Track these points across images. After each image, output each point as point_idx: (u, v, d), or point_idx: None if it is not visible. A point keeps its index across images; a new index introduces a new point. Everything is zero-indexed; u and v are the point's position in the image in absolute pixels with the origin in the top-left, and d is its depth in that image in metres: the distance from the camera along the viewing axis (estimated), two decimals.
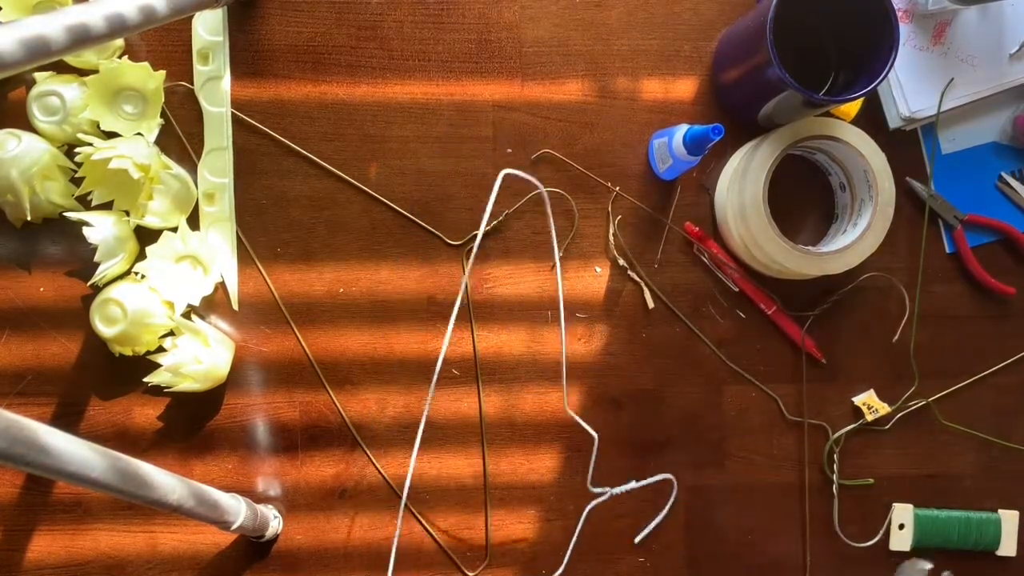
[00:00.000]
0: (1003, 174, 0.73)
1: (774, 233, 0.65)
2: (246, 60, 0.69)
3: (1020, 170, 0.74)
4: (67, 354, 0.67)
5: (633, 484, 0.67)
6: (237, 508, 0.60)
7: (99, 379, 0.67)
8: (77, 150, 0.63)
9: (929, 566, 0.45)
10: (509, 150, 0.70)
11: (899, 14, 0.67)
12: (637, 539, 0.70)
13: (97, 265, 0.63)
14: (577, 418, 0.66)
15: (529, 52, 0.71)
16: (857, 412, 0.72)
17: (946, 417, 0.73)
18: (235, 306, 0.68)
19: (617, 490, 0.67)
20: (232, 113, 0.68)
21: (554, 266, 0.70)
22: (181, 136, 0.68)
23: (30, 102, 0.64)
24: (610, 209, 0.71)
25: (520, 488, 0.70)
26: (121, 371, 0.66)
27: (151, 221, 0.65)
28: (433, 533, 0.69)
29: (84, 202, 0.67)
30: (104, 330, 0.63)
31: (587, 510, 0.69)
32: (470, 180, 0.70)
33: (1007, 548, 0.72)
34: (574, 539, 0.69)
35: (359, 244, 0.69)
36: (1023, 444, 0.73)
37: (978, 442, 0.73)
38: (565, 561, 0.69)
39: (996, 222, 0.72)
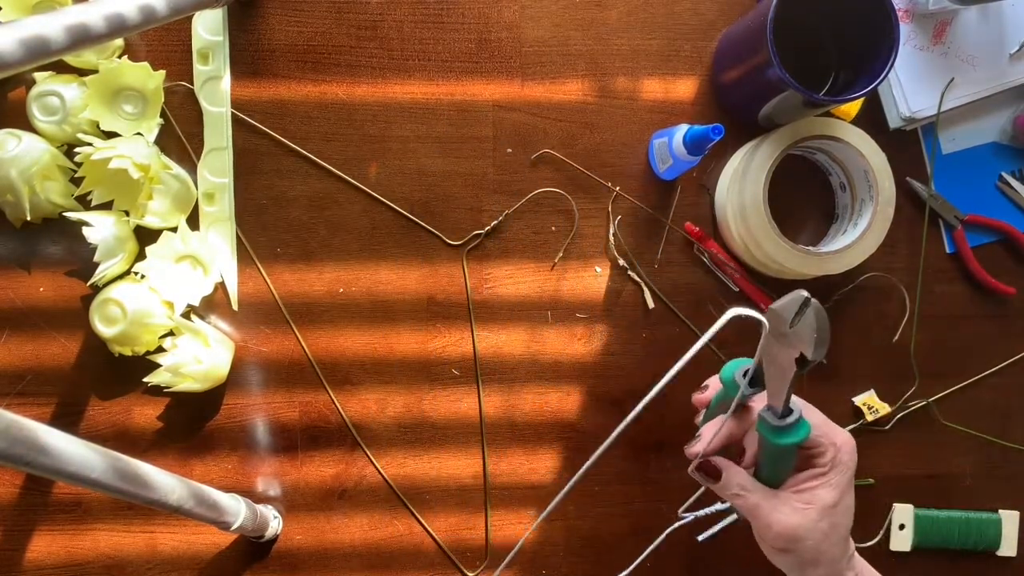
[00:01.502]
0: (1003, 174, 0.73)
1: (774, 233, 0.65)
2: (246, 60, 0.69)
3: (1020, 170, 0.74)
4: (67, 354, 0.67)
5: (718, 506, 0.66)
6: (237, 508, 0.60)
7: (99, 379, 0.67)
8: (77, 150, 0.63)
9: (804, 294, 0.46)
10: (509, 150, 0.70)
11: (899, 14, 0.67)
12: (700, 537, 0.69)
13: (97, 265, 0.63)
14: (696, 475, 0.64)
15: (529, 52, 0.71)
16: (857, 412, 0.72)
17: (946, 417, 0.72)
18: (235, 306, 0.68)
19: (702, 512, 0.66)
20: (232, 113, 0.68)
21: (554, 266, 0.70)
22: (181, 136, 0.68)
23: (30, 102, 0.64)
24: (610, 209, 0.71)
25: (520, 488, 0.70)
26: (121, 371, 0.66)
27: (151, 221, 0.65)
28: (433, 533, 0.69)
29: (84, 202, 0.67)
30: (104, 330, 0.63)
31: (667, 531, 0.68)
32: (470, 180, 0.70)
33: (1007, 548, 0.72)
34: (643, 556, 0.68)
35: (359, 244, 0.69)
36: (1023, 444, 0.73)
37: (978, 442, 0.73)
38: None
39: (996, 222, 0.72)
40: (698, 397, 0.55)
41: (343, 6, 0.70)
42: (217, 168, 0.68)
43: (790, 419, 0.46)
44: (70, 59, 0.66)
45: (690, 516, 0.66)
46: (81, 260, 0.67)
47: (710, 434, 0.50)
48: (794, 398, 0.49)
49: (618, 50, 0.71)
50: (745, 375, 0.47)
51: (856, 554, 0.51)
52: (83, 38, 0.48)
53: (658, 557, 0.70)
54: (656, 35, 0.72)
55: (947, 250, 0.73)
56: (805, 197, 0.72)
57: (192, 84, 0.68)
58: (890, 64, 0.60)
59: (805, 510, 0.47)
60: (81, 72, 0.66)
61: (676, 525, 0.68)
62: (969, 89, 0.70)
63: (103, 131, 0.65)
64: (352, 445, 0.69)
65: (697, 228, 0.71)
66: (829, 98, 0.61)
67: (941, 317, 0.73)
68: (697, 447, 0.51)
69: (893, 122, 0.71)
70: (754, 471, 0.50)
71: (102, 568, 0.67)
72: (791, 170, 0.70)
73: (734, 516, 0.65)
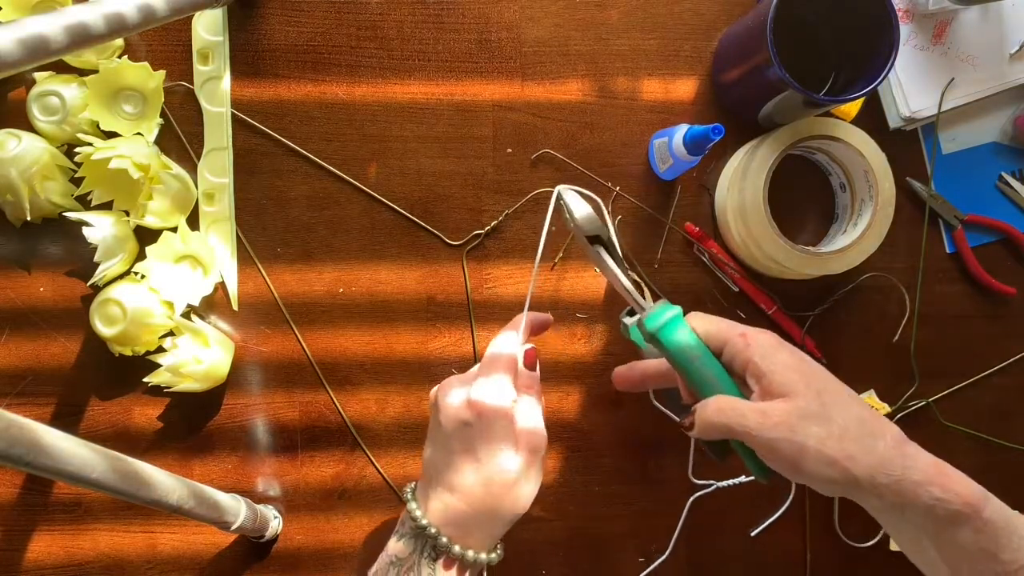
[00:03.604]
0: (1003, 174, 0.73)
1: (774, 233, 0.65)
2: (246, 60, 0.69)
3: (1020, 170, 0.74)
4: (67, 354, 0.67)
5: (743, 478, 0.66)
6: (237, 508, 0.60)
7: (99, 379, 0.67)
8: (77, 150, 0.63)
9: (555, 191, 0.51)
10: (509, 150, 0.70)
11: (899, 14, 0.67)
12: (753, 533, 0.70)
13: (97, 265, 0.63)
14: (663, 408, 0.65)
15: (529, 52, 0.71)
16: None
17: (946, 417, 0.72)
18: (235, 306, 0.68)
19: (724, 483, 0.66)
20: (232, 113, 0.68)
21: (554, 266, 0.70)
22: (181, 136, 0.68)
23: (30, 102, 0.64)
24: (610, 209, 0.71)
25: None
26: (121, 371, 0.66)
27: (151, 221, 0.65)
28: None
29: (84, 202, 0.67)
30: (104, 330, 0.63)
31: (691, 501, 0.68)
32: (470, 180, 0.70)
33: None
34: (677, 530, 0.69)
35: (359, 244, 0.69)
36: (1023, 444, 0.73)
37: (978, 442, 0.73)
38: (668, 550, 0.69)
39: (996, 222, 0.72)
40: (620, 372, 0.54)
41: (343, 6, 0.70)
42: (217, 168, 0.68)
43: (649, 311, 0.46)
44: (70, 59, 0.66)
45: (712, 486, 0.66)
46: (81, 260, 0.67)
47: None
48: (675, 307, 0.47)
49: (618, 50, 0.71)
50: (629, 313, 0.50)
51: (918, 452, 0.41)
52: (83, 38, 0.48)
53: (658, 556, 0.70)
54: (656, 35, 0.72)
55: (947, 250, 0.73)
56: (805, 197, 0.72)
57: (192, 84, 0.68)
58: (890, 64, 0.60)
59: (772, 407, 0.41)
60: (81, 72, 0.66)
61: (698, 494, 0.68)
62: (969, 89, 0.70)
63: (103, 131, 0.65)
64: (352, 445, 0.69)
65: (697, 228, 0.71)
66: (829, 98, 0.61)
67: (941, 317, 0.73)
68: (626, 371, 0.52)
69: (893, 122, 0.71)
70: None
71: (102, 568, 0.67)
72: (791, 170, 0.70)
73: (783, 509, 0.63)
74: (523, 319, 0.54)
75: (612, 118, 0.71)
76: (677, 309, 0.46)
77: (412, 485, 0.52)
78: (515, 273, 0.70)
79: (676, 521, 0.70)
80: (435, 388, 0.53)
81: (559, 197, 0.50)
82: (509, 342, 0.53)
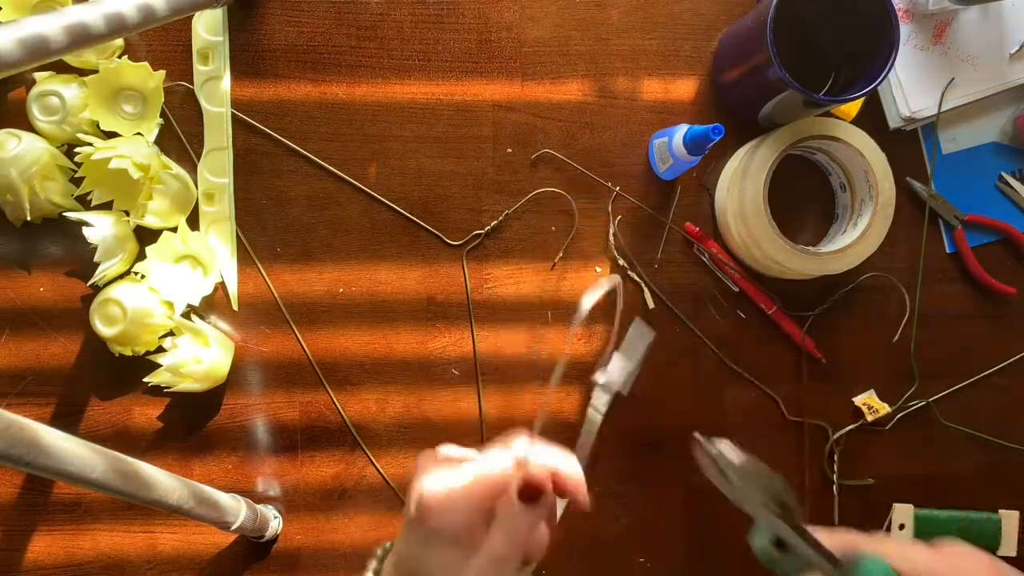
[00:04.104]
0: (1003, 174, 0.73)
1: (774, 233, 0.65)
2: (246, 60, 0.69)
3: (1020, 170, 0.74)
4: (67, 354, 0.67)
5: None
6: (237, 508, 0.60)
7: (99, 379, 0.67)
8: (77, 150, 0.63)
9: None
10: (509, 150, 0.70)
11: (899, 14, 0.67)
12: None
13: (97, 265, 0.63)
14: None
15: (529, 52, 0.71)
16: (857, 412, 0.72)
17: (946, 417, 0.72)
18: (235, 306, 0.68)
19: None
20: (232, 113, 0.68)
21: (554, 266, 0.70)
22: (181, 136, 0.68)
23: (30, 102, 0.64)
24: (610, 209, 0.71)
25: None
26: (121, 371, 0.66)
27: (151, 221, 0.65)
28: None
29: (84, 202, 0.67)
30: (104, 330, 0.63)
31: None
32: (470, 180, 0.70)
33: (1007, 548, 0.72)
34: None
35: (359, 244, 0.69)
36: (1023, 444, 0.73)
37: (978, 442, 0.73)
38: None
39: (996, 222, 0.72)
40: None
41: (343, 6, 0.70)
42: (217, 168, 0.68)
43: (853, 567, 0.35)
44: (70, 59, 0.66)
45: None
46: (81, 260, 0.67)
47: None
48: (842, 535, 0.39)
49: (618, 50, 0.71)
50: (776, 543, 0.39)
51: None
52: (83, 38, 0.48)
53: (659, 557, 0.70)
54: (656, 35, 0.72)
55: (947, 250, 0.73)
56: (805, 197, 0.72)
57: (192, 84, 0.68)
58: (890, 64, 0.60)
59: None
60: (81, 72, 0.66)
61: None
62: (969, 89, 0.70)
63: (103, 131, 0.65)
64: (352, 445, 0.69)
65: (697, 228, 0.71)
66: (829, 98, 0.61)
67: (941, 317, 0.73)
68: None
69: (893, 122, 0.71)
70: None
71: (102, 568, 0.67)
72: (791, 170, 0.70)
73: None
74: (523, 443, 0.40)
75: (612, 118, 0.71)
76: (884, 567, 0.36)
77: (386, 546, 0.42)
78: (515, 273, 0.70)
79: (676, 521, 0.70)
80: (422, 454, 0.43)
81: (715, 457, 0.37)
82: (496, 464, 0.39)
